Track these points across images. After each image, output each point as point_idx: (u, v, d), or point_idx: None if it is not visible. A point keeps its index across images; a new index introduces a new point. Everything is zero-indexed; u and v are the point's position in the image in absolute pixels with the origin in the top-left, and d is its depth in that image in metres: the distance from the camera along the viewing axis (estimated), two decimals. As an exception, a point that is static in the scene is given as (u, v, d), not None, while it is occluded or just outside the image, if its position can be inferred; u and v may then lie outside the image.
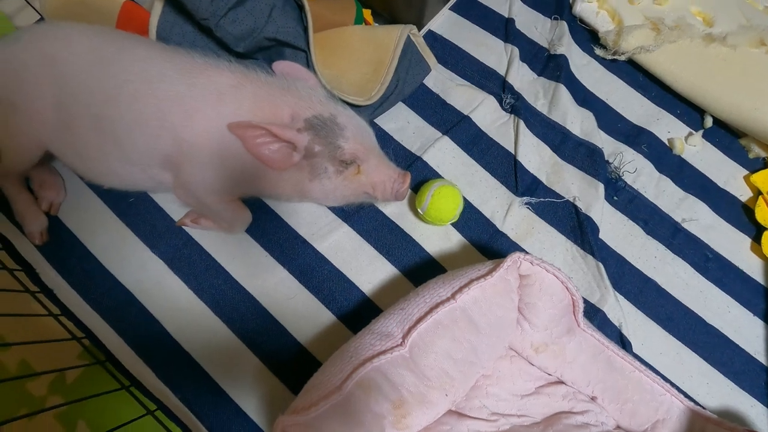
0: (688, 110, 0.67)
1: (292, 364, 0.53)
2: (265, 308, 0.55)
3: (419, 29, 0.68)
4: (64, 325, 0.50)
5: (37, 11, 0.68)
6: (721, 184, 0.64)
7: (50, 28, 0.52)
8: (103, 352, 0.51)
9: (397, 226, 0.59)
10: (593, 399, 0.50)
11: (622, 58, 0.67)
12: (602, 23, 0.69)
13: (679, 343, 0.57)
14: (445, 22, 0.70)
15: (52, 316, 0.49)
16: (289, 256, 0.57)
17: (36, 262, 0.55)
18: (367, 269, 0.57)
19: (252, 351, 0.54)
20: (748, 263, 0.60)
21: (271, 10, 0.54)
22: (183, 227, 0.58)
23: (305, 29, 0.55)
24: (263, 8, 0.53)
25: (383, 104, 0.62)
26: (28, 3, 0.69)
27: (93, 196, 0.59)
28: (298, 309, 0.55)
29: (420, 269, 0.58)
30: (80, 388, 0.52)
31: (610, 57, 0.68)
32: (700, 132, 0.66)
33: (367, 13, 0.66)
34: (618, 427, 0.49)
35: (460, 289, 0.45)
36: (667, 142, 0.66)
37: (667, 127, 0.66)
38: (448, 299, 0.44)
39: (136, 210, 0.59)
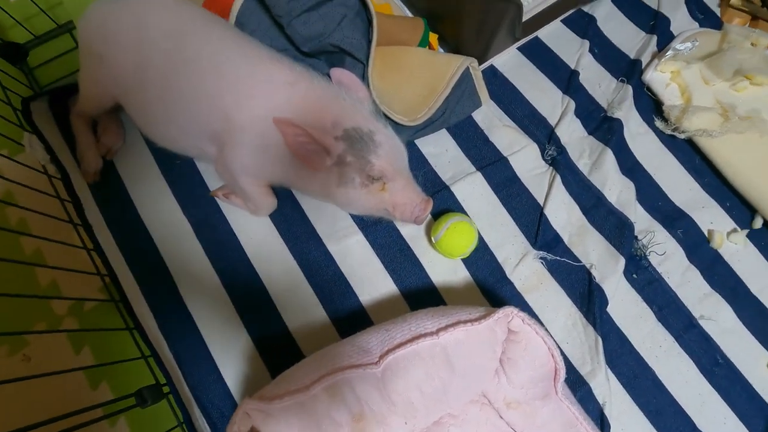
0: (739, 205, 0.64)
1: (278, 349, 0.56)
2: (267, 291, 0.58)
3: (482, 62, 0.68)
4: (93, 260, 0.55)
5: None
6: (754, 291, 0.60)
7: (146, -2, 0.58)
8: (119, 292, 0.56)
9: (409, 247, 0.61)
10: (553, 469, 0.49)
11: (682, 136, 0.65)
12: (670, 96, 0.66)
13: (664, 442, 0.55)
14: (509, 61, 0.70)
15: (85, 249, 0.55)
16: (301, 248, 0.60)
17: (84, 197, 0.61)
18: (371, 280, 0.59)
19: (245, 327, 0.57)
20: (760, 379, 0.57)
21: (342, 18, 0.56)
22: (215, 198, 0.62)
23: (369, 43, 0.58)
24: (335, 16, 0.56)
25: (426, 128, 0.63)
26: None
27: (146, 151, 0.64)
28: (297, 300, 0.58)
29: (419, 294, 0.59)
30: (94, 318, 0.58)
31: (669, 132, 0.66)
32: (746, 231, 0.62)
33: (433, 38, 0.67)
34: (571, 505, 0.49)
35: (446, 327, 0.46)
36: (706, 233, 0.63)
37: (711, 217, 0.63)
38: (431, 333, 0.46)
39: (179, 171, 0.64)
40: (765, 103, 0.64)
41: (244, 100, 0.52)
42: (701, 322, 0.59)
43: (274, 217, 0.61)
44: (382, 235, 0.61)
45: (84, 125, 0.62)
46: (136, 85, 0.56)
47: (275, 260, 0.60)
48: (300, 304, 0.58)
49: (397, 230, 0.61)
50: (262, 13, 0.61)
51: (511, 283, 0.60)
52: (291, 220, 0.62)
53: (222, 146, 0.55)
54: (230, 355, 0.56)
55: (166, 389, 0.54)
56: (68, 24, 0.72)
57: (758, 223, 0.63)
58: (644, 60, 0.69)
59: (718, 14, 0.74)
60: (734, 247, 0.62)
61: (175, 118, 0.56)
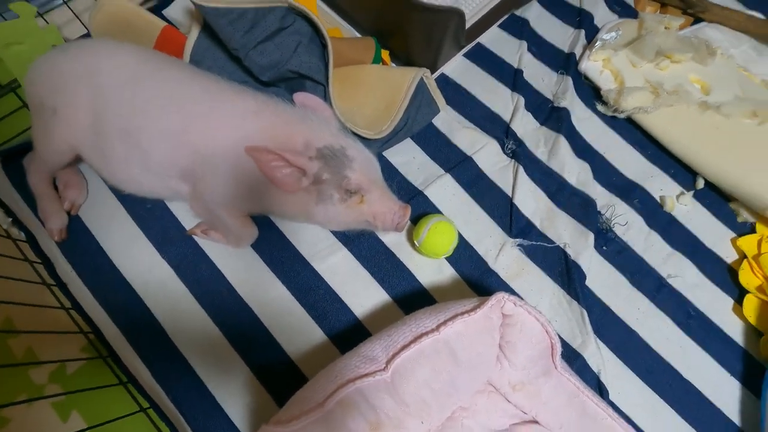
0: (682, 170, 0.70)
1: (280, 376, 0.56)
2: (260, 320, 0.58)
3: (433, 72, 0.72)
4: (73, 319, 0.53)
5: (84, 25, 0.73)
6: (708, 245, 0.66)
7: (95, 44, 0.58)
8: (106, 348, 0.54)
9: (394, 254, 0.62)
10: (565, 442, 0.51)
11: (622, 116, 0.71)
12: (605, 82, 0.73)
13: (656, 396, 0.58)
14: (457, 67, 0.75)
15: (63, 309, 0.53)
16: (288, 273, 0.60)
17: (54, 256, 0.58)
18: (361, 293, 0.60)
19: (244, 360, 0.56)
20: (729, 324, 0.62)
21: (297, 45, 0.58)
22: (193, 236, 0.61)
23: (326, 65, 0.60)
24: (290, 44, 0.58)
25: (392, 139, 0.66)
26: (76, 16, 0.75)
27: (113, 199, 0.63)
28: (292, 324, 0.58)
29: (411, 298, 0.60)
30: (79, 381, 0.55)
31: (610, 114, 0.72)
32: (692, 192, 0.69)
33: (385, 54, 0.71)
34: (587, 472, 0.51)
35: (445, 322, 0.47)
36: (659, 199, 0.68)
37: (660, 184, 0.69)
38: (432, 330, 0.47)
39: (151, 215, 0.63)
40: (686, 77, 0.71)
41: (211, 134, 0.53)
42: (670, 281, 0.64)
43: (255, 246, 0.61)
44: (366, 246, 0.62)
45: (44, 183, 0.60)
46: (96, 134, 0.55)
47: (263, 288, 0.60)
48: (295, 328, 0.58)
49: (380, 240, 0.63)
50: (216, 49, 0.62)
51: (495, 274, 0.62)
52: (273, 246, 0.62)
53: (195, 182, 0.55)
54: (232, 391, 0.55)
55: (170, 439, 0.52)
56: (12, 83, 0.69)
57: (700, 184, 0.69)
58: (577, 52, 0.75)
59: (632, 5, 0.82)
60: (685, 209, 0.68)
61: (142, 161, 0.55)
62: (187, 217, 0.62)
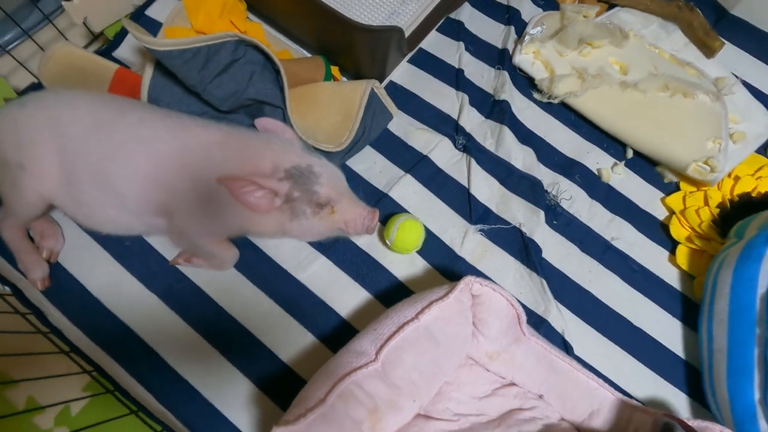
0: (613, 144, 0.79)
1: (280, 383, 0.60)
2: (253, 335, 0.62)
3: (381, 81, 0.77)
4: (74, 360, 0.55)
5: (32, 73, 0.74)
6: (642, 206, 0.75)
7: (53, 96, 0.59)
8: (110, 383, 0.57)
9: (369, 255, 0.67)
10: (540, 397, 0.59)
11: (556, 101, 0.79)
12: (537, 72, 0.80)
13: (613, 344, 0.66)
14: (404, 74, 0.80)
15: (63, 353, 0.55)
16: (273, 287, 0.64)
17: (42, 304, 0.60)
18: (344, 295, 0.65)
19: (243, 374, 0.60)
20: (667, 273, 0.71)
21: (251, 75, 0.62)
22: (176, 266, 0.64)
23: (281, 89, 0.64)
24: (244, 74, 0.61)
25: (352, 149, 0.70)
26: (21, 65, 0.75)
27: (91, 242, 0.64)
28: (284, 334, 0.62)
29: (390, 292, 0.66)
30: (84, 420, 0.57)
31: (545, 100, 0.79)
32: (623, 162, 0.77)
33: (335, 70, 0.75)
34: (562, 419, 0.58)
35: (423, 310, 0.53)
36: (596, 172, 0.77)
37: (596, 159, 0.77)
38: (412, 319, 0.52)
39: (131, 252, 0.65)
40: (606, 60, 0.80)
41: (181, 169, 0.56)
42: (613, 243, 0.72)
43: (238, 266, 0.65)
44: (342, 252, 0.67)
45: (19, 237, 0.61)
46: (67, 183, 0.57)
47: (251, 305, 0.63)
48: (288, 337, 0.62)
49: (354, 244, 0.68)
50: (172, 85, 0.65)
51: (462, 259, 0.69)
52: (255, 264, 0.65)
53: (171, 216, 0.58)
54: (238, 405, 0.58)
55: (187, 456, 0.55)
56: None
57: (630, 154, 0.78)
58: (510, 47, 0.82)
59: (554, -2, 0.90)
60: (619, 177, 0.77)
61: (117, 202, 0.57)
62: (167, 249, 0.65)
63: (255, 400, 0.59)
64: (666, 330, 0.67)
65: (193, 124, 0.58)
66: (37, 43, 0.75)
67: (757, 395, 0.56)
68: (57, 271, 0.62)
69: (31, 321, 0.55)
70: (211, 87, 0.60)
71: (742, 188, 0.74)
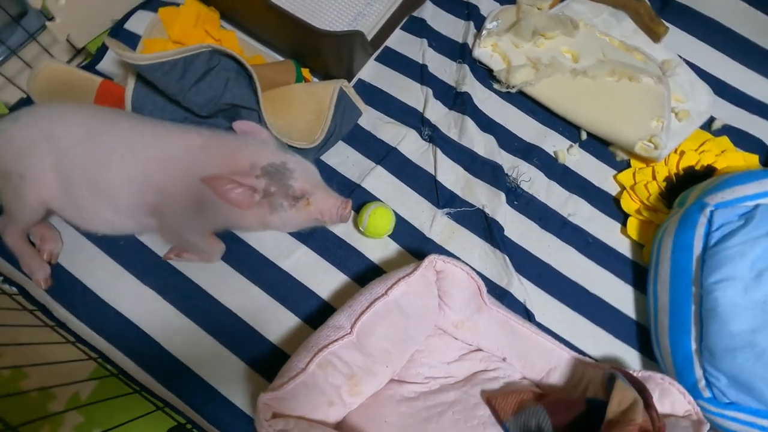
0: (568, 128, 0.85)
1: (269, 361, 0.66)
2: (243, 320, 0.68)
3: (350, 80, 0.83)
4: (81, 349, 0.61)
5: (20, 89, 0.78)
6: (596, 184, 0.82)
7: (44, 109, 0.64)
8: (114, 368, 0.63)
9: (345, 242, 0.73)
10: (504, 359, 0.65)
11: (514, 90, 0.85)
12: (496, 64, 0.86)
13: (571, 310, 0.73)
14: (371, 72, 0.85)
15: (69, 342, 0.61)
16: (259, 275, 0.70)
17: (46, 301, 0.65)
18: (324, 279, 0.71)
19: (236, 356, 0.66)
20: (619, 243, 0.78)
21: (226, 81, 0.67)
22: (168, 261, 0.70)
23: (255, 93, 0.69)
24: (220, 80, 0.67)
25: (325, 145, 0.76)
26: (9, 81, 0.80)
27: (88, 243, 0.70)
28: (270, 318, 0.68)
29: (366, 274, 0.72)
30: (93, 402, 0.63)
31: (504, 90, 0.85)
32: (578, 144, 0.84)
33: (306, 72, 0.80)
34: (523, 377, 0.65)
35: (392, 286, 0.59)
36: (553, 154, 0.83)
37: (552, 142, 0.84)
38: (382, 295, 0.59)
39: (126, 250, 0.70)
40: (558, 50, 0.86)
41: (169, 172, 0.61)
42: (570, 219, 0.78)
43: (226, 258, 0.71)
44: (320, 240, 0.73)
45: (21, 241, 0.66)
46: (65, 189, 0.62)
47: (240, 293, 0.69)
48: (275, 320, 0.68)
49: (332, 232, 0.74)
50: (154, 95, 0.70)
51: (431, 241, 0.75)
52: (241, 255, 0.71)
53: (161, 215, 0.64)
54: (232, 382, 0.65)
55: (189, 426, 0.61)
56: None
57: (584, 136, 0.84)
58: (470, 42, 0.88)
59: (511, -9, 0.95)
60: (574, 158, 0.83)
61: (111, 205, 0.63)
62: (159, 245, 0.71)
63: (247, 378, 0.65)
64: (619, 294, 0.74)
65: (177, 130, 0.63)
66: (23, 60, 0.79)
67: (693, 346, 0.63)
68: (58, 271, 0.68)
69: (38, 316, 0.61)
70: (190, 95, 0.65)
71: (686, 162, 0.80)
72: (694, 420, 0.56)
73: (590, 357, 0.68)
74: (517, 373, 0.65)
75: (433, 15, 0.91)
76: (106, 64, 0.79)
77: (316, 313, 0.69)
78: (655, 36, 0.89)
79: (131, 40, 0.80)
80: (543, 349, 0.64)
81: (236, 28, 0.85)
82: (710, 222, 0.65)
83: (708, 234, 0.65)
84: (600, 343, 0.71)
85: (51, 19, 0.72)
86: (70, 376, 0.63)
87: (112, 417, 0.62)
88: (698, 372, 0.62)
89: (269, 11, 0.70)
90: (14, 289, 0.65)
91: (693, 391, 0.61)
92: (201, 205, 0.62)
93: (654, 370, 0.60)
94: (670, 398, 0.58)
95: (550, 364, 0.64)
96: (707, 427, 0.54)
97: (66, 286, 0.67)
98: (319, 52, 0.76)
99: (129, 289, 0.68)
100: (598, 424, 0.52)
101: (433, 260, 0.60)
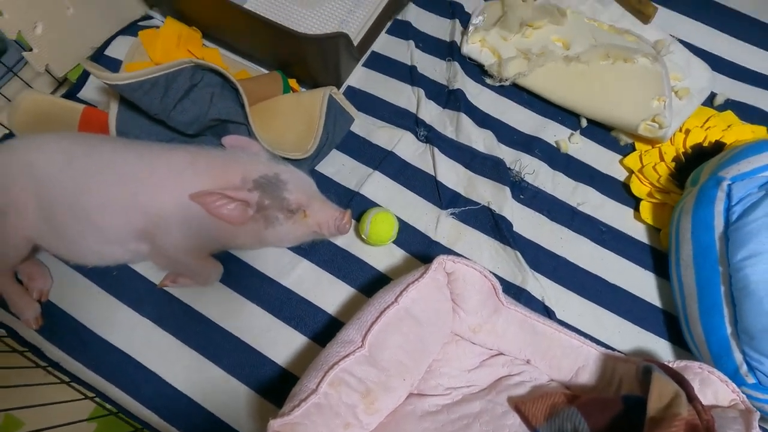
0: (567, 116, 0.82)
1: (277, 385, 0.62)
2: (246, 343, 0.64)
3: (339, 87, 0.81)
4: (77, 389, 0.57)
5: (2, 125, 0.76)
6: (602, 170, 0.79)
7: (22, 142, 0.62)
8: (114, 407, 0.58)
9: (349, 252, 0.70)
10: (527, 362, 0.61)
11: (507, 83, 0.82)
12: (486, 58, 0.84)
13: (593, 303, 0.69)
14: (360, 77, 0.84)
15: (65, 383, 0.56)
16: (260, 295, 0.67)
17: (38, 342, 0.62)
18: (329, 293, 0.67)
19: (241, 382, 0.62)
20: (634, 229, 0.74)
21: (211, 97, 0.65)
22: (164, 288, 0.66)
23: (242, 106, 0.67)
24: (205, 97, 0.64)
25: (319, 155, 0.73)
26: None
27: (79, 277, 0.66)
28: (275, 338, 0.64)
29: (372, 284, 0.68)
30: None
31: (497, 84, 0.83)
32: (579, 131, 0.81)
33: (292, 82, 0.78)
34: (551, 380, 0.61)
35: (401, 293, 0.55)
36: (555, 144, 0.80)
37: (552, 132, 0.81)
38: (392, 303, 0.55)
39: (119, 281, 0.67)
40: (548, 38, 0.84)
41: (156, 194, 0.58)
42: (580, 208, 0.75)
43: (224, 280, 0.67)
44: (322, 253, 0.70)
45: (7, 281, 0.63)
46: (48, 221, 0.59)
47: (241, 315, 0.66)
48: (281, 341, 0.64)
49: (334, 244, 0.70)
50: (138, 117, 0.68)
51: (438, 244, 0.71)
52: (240, 276, 0.68)
53: (152, 240, 0.60)
54: (240, 412, 0.60)
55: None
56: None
57: (584, 123, 0.82)
58: (457, 39, 0.86)
59: (494, -13, 0.94)
60: (577, 146, 0.80)
61: (98, 233, 0.60)
62: (153, 273, 0.67)
63: (255, 405, 0.61)
64: (640, 282, 0.70)
65: (162, 149, 0.61)
66: (4, 96, 0.78)
67: (728, 329, 0.59)
68: (50, 308, 0.64)
69: (29, 357, 0.57)
70: (175, 113, 0.63)
71: (693, 140, 0.78)
72: (741, 409, 0.52)
73: (619, 351, 0.63)
74: (543, 375, 0.60)
75: (417, 16, 0.90)
76: (89, 92, 0.77)
77: (324, 330, 0.65)
78: (645, 17, 0.88)
79: (113, 66, 0.78)
80: (568, 347, 0.60)
81: (218, 45, 0.84)
82: (729, 196, 0.61)
83: (728, 209, 0.61)
84: (627, 336, 0.67)
85: (29, 50, 0.70)
86: (68, 419, 0.59)
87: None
88: (738, 357, 0.58)
89: (251, 21, 0.69)
90: (2, 331, 0.61)
91: (735, 378, 0.56)
92: (192, 224, 0.59)
93: (689, 360, 0.56)
94: (712, 388, 0.53)
95: (577, 363, 0.60)
96: (758, 416, 0.49)
97: (59, 324, 0.64)
98: (305, 60, 0.74)
99: (125, 321, 0.64)
100: (638, 422, 0.48)
101: (443, 261, 0.57)
